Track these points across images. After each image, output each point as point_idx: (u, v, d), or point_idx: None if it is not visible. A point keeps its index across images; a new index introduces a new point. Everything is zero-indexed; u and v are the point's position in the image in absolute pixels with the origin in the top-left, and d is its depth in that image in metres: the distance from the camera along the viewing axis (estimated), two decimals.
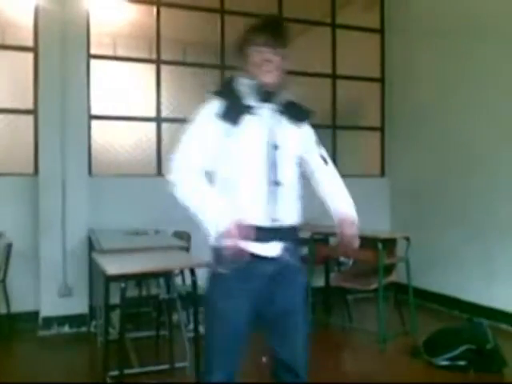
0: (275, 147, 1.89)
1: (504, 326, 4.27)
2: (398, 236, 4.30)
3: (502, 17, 4.37)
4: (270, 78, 1.89)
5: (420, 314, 4.31)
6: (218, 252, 1.86)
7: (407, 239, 4.18)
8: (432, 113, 5.12)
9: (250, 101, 1.91)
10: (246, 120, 1.89)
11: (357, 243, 2.00)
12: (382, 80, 5.88)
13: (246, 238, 1.75)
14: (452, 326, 3.83)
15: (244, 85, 1.93)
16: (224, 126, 1.88)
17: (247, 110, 1.89)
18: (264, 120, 1.91)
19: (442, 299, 4.91)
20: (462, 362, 3.41)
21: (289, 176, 1.93)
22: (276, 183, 1.88)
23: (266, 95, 1.91)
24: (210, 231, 1.82)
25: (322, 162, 2.09)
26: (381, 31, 5.89)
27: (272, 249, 1.89)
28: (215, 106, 1.91)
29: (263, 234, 1.83)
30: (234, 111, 1.89)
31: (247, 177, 1.88)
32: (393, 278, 4.22)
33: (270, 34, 1.91)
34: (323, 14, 5.74)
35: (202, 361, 2.02)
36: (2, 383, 2.83)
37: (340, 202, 2.06)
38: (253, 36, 1.91)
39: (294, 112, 1.98)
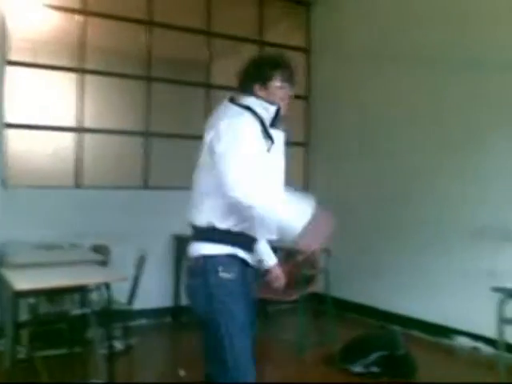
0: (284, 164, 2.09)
1: (415, 333, 4.50)
2: (316, 248, 4.41)
3: (420, 42, 4.65)
4: (286, 110, 2.08)
5: (339, 323, 4.43)
6: (221, 259, 1.95)
7: (327, 251, 4.31)
8: (355, 130, 5.34)
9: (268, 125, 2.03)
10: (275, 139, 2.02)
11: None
12: (306, 98, 6.06)
13: None
14: (366, 333, 3.99)
15: (263, 108, 2.01)
16: (263, 142, 1.97)
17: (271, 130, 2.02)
18: (280, 144, 2.05)
19: (360, 308, 5.09)
20: (375, 369, 3.54)
21: None
22: None
23: (278, 122, 2.05)
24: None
25: None
26: (307, 50, 6.09)
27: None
28: (257, 122, 1.97)
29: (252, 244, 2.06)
30: (267, 129, 1.99)
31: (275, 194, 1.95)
32: (313, 288, 4.33)
33: (292, 72, 2.12)
34: (251, 32, 5.86)
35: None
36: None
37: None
38: (280, 71, 2.09)
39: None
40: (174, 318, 5.03)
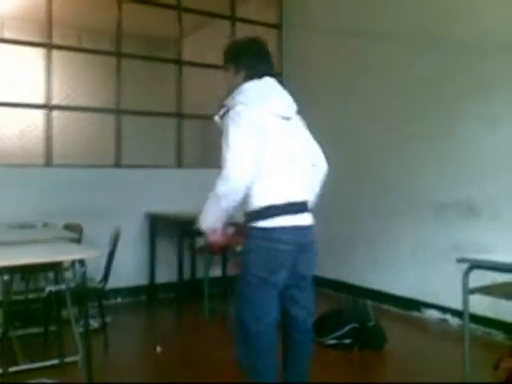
0: None
1: (386, 307, 4.63)
2: None
3: (395, 18, 4.70)
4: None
5: (315, 299, 4.51)
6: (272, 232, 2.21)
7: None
8: (327, 109, 5.38)
9: None
10: None
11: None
12: (280, 74, 6.06)
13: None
14: (338, 307, 4.09)
15: None
16: None
17: None
18: None
19: (332, 284, 5.21)
20: (347, 340, 3.65)
21: None
22: None
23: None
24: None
25: None
26: (279, 27, 6.07)
27: None
28: None
29: None
30: None
31: None
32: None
33: None
34: (223, 7, 5.80)
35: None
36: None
37: None
38: None
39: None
40: (150, 295, 5.05)
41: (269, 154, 2.20)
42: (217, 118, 2.31)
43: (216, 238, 2.34)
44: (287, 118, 2.34)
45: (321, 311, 3.98)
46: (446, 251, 4.12)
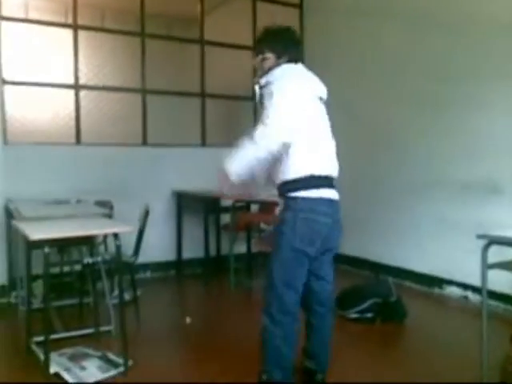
0: None
1: (407, 283, 4.72)
2: None
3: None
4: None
5: (336, 275, 4.59)
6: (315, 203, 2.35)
7: None
8: (351, 88, 5.38)
9: None
10: None
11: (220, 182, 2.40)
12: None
13: None
14: (360, 283, 4.19)
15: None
16: None
17: None
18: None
19: (354, 261, 5.30)
20: (369, 314, 3.75)
21: None
22: None
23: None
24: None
25: None
26: (300, 6, 6.07)
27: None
28: None
29: None
30: None
31: None
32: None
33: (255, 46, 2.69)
34: None
35: None
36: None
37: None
38: None
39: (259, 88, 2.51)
40: (177, 270, 5.22)
41: (308, 127, 2.34)
42: (257, 87, 2.50)
43: (226, 186, 2.38)
44: (321, 99, 2.50)
45: (342, 287, 4.09)
46: (468, 229, 4.14)
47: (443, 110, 4.45)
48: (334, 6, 5.57)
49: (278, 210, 2.52)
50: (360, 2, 5.26)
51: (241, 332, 3.49)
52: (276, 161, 2.35)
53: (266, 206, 4.64)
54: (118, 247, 2.96)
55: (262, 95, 2.46)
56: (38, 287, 3.69)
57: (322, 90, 2.52)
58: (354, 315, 3.77)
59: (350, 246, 5.31)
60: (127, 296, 3.91)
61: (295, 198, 2.33)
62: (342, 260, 5.28)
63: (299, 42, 2.69)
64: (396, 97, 4.90)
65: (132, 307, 3.76)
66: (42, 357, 2.88)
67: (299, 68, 2.52)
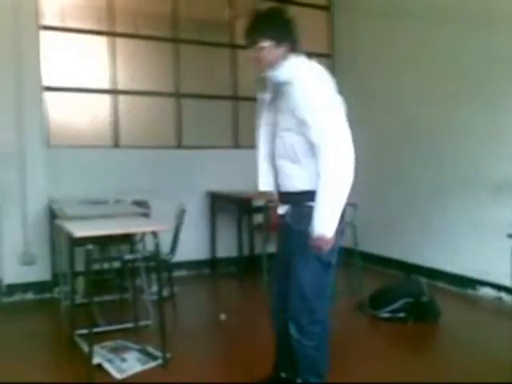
0: (273, 124, 2.26)
1: (440, 284, 4.70)
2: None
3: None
4: (261, 70, 2.26)
5: (366, 275, 4.65)
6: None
7: (354, 205, 4.49)
8: (380, 87, 5.42)
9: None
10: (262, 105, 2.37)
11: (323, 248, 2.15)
12: (329, 55, 6.12)
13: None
14: (392, 282, 4.21)
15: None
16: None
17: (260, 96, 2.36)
18: (266, 103, 2.34)
19: (386, 261, 5.31)
20: (401, 314, 3.77)
21: (280, 148, 2.23)
22: (273, 156, 2.29)
23: (262, 82, 2.31)
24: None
25: (314, 141, 2.11)
26: (328, 8, 6.11)
27: (281, 209, 2.34)
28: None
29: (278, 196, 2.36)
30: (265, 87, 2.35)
31: (261, 148, 2.39)
32: (340, 241, 4.52)
33: (247, 35, 2.28)
34: None
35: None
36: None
37: (315, 214, 2.11)
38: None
39: (280, 88, 2.21)
40: (211, 269, 5.35)
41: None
42: (268, 84, 2.28)
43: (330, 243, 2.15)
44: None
45: (373, 287, 4.13)
46: (502, 230, 4.11)
47: (474, 108, 4.43)
48: (364, 7, 5.60)
49: (288, 219, 2.29)
50: (390, 1, 5.28)
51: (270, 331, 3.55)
52: (296, 163, 2.19)
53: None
54: (157, 245, 3.07)
55: (277, 94, 2.22)
56: (80, 283, 3.87)
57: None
58: (386, 315, 3.80)
59: (380, 246, 5.34)
60: (164, 292, 4.04)
61: None
62: (372, 260, 5.32)
63: (295, 24, 2.30)
64: (425, 95, 4.90)
65: (169, 303, 3.89)
66: (85, 349, 3.03)
67: (312, 61, 2.23)
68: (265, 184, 2.44)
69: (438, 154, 4.80)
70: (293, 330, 2.30)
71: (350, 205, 4.46)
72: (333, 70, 6.06)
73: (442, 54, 4.73)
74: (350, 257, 4.57)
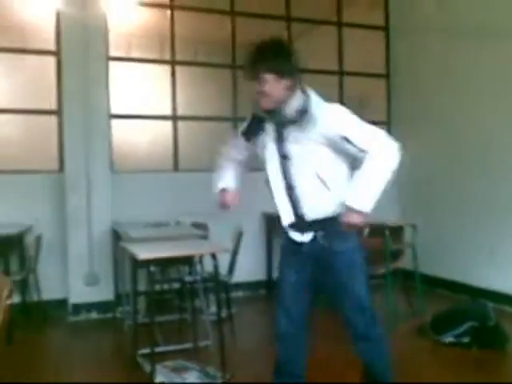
0: (285, 157, 2.26)
1: (508, 309, 4.47)
2: (404, 223, 4.52)
3: (505, 14, 4.57)
4: (264, 104, 2.22)
5: (426, 298, 4.51)
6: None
7: (414, 227, 4.41)
8: (437, 106, 5.33)
9: (267, 120, 2.28)
10: (263, 136, 2.32)
11: (360, 227, 2.24)
12: (387, 76, 6.10)
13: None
14: (456, 305, 4.06)
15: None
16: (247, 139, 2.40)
17: (261, 128, 2.31)
18: (272, 135, 2.28)
19: (448, 284, 5.12)
20: (466, 339, 3.63)
21: (302, 179, 2.25)
22: (290, 187, 2.29)
23: (269, 114, 2.25)
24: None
25: (356, 150, 2.16)
26: (385, 28, 6.11)
27: (304, 237, 2.32)
28: (243, 126, 2.44)
29: (295, 226, 2.33)
30: (252, 130, 2.35)
31: (272, 183, 2.37)
32: (399, 263, 4.45)
33: (248, 68, 2.20)
34: (329, 13, 5.96)
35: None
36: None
37: (353, 189, 2.17)
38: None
39: (298, 120, 2.17)
40: (268, 290, 5.36)
41: None
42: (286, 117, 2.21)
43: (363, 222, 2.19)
44: None
45: (434, 311, 3.99)
46: None
47: None
48: (422, 26, 5.55)
49: (322, 242, 2.29)
50: (449, 20, 5.21)
51: (330, 349, 3.51)
52: (327, 188, 2.23)
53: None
54: (216, 267, 3.15)
55: (285, 127, 2.22)
56: (141, 303, 3.99)
57: None
58: (450, 339, 3.67)
59: (442, 269, 5.18)
60: (223, 313, 4.10)
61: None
62: (433, 283, 5.15)
63: (299, 57, 2.26)
64: (490, 112, 4.77)
65: (227, 324, 3.93)
66: (147, 368, 3.12)
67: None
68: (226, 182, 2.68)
69: (503, 173, 4.64)
70: (367, 347, 2.36)
71: (410, 226, 4.45)
72: (389, 90, 6.04)
73: (500, 71, 4.61)
74: (411, 279, 4.48)
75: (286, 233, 2.40)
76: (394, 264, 4.32)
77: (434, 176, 5.36)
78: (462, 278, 5.00)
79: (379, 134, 2.23)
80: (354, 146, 2.16)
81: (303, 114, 2.15)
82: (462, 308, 3.94)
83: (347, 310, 2.35)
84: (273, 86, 2.15)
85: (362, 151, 2.15)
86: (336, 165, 2.25)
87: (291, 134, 2.21)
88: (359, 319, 2.34)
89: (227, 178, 2.68)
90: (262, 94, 2.18)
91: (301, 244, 2.33)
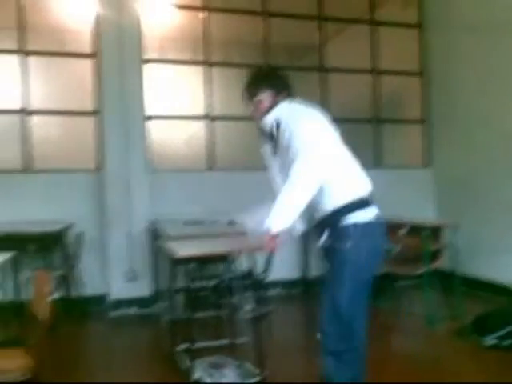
0: (279, 157, 2.38)
1: None
2: (443, 223, 4.44)
3: None
4: (257, 120, 2.46)
5: (466, 299, 4.41)
6: None
7: (453, 226, 4.32)
8: (474, 103, 5.22)
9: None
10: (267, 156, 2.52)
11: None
12: (421, 73, 6.00)
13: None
14: (498, 306, 3.96)
15: None
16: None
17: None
18: (269, 151, 2.48)
19: (489, 285, 5.00)
20: (508, 342, 3.53)
21: None
22: None
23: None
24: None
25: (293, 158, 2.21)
26: (419, 26, 6.02)
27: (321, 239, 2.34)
28: None
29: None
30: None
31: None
32: (438, 264, 4.36)
33: (245, 90, 2.46)
34: (362, 11, 5.91)
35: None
36: None
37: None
38: None
39: (271, 128, 2.38)
40: (304, 288, 5.35)
41: (340, 149, 2.34)
42: (267, 128, 2.42)
43: (277, 244, 2.30)
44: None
45: (475, 313, 3.90)
46: None
47: None
48: (457, 23, 5.45)
49: (323, 241, 2.32)
50: (485, 17, 5.09)
51: (368, 355, 3.48)
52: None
53: (390, 227, 4.58)
54: (253, 265, 3.17)
55: (273, 134, 2.37)
56: (179, 299, 4.03)
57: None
58: (492, 341, 3.58)
59: (484, 270, 5.06)
60: (259, 311, 4.12)
61: (355, 225, 2.23)
62: (474, 284, 5.03)
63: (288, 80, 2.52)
64: None
65: (264, 322, 3.93)
66: (185, 363, 3.15)
67: (298, 101, 2.40)
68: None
69: None
70: (333, 363, 2.28)
71: (449, 226, 4.36)
72: (424, 88, 5.95)
73: None
74: (450, 280, 4.39)
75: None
76: (433, 264, 4.25)
77: (474, 175, 5.24)
78: (504, 279, 4.87)
79: (303, 162, 2.17)
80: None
81: (278, 123, 2.36)
82: (505, 310, 3.85)
83: (322, 312, 2.32)
84: (265, 101, 2.42)
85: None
86: None
87: (279, 142, 2.40)
88: (332, 327, 2.29)
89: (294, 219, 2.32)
90: (254, 111, 2.48)
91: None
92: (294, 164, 2.15)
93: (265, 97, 2.39)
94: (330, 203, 2.25)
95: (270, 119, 2.37)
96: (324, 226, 2.30)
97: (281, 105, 2.37)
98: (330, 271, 2.34)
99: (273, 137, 2.39)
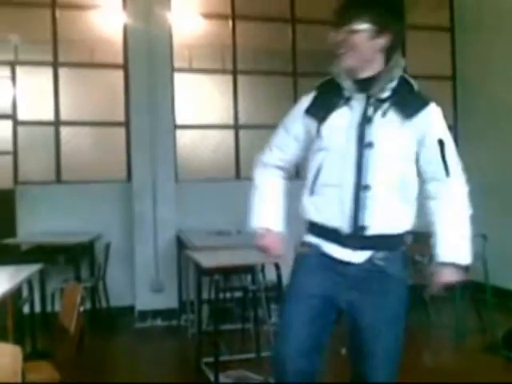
0: (368, 145, 1.68)
1: None
2: (474, 233, 4.30)
3: None
4: (346, 61, 1.71)
5: (498, 312, 4.29)
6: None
7: (484, 236, 4.19)
8: (507, 108, 5.08)
9: (348, 92, 1.73)
10: (335, 115, 1.73)
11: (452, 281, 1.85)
12: (453, 78, 5.88)
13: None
14: None
15: (341, 73, 1.75)
16: (311, 122, 1.79)
17: (338, 103, 1.72)
18: (356, 114, 1.70)
19: None
20: None
21: (384, 179, 1.70)
22: (364, 187, 1.69)
23: (360, 84, 1.71)
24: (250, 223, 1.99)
25: (443, 172, 1.78)
26: (451, 29, 5.90)
27: (356, 255, 1.74)
28: (307, 100, 1.83)
29: (344, 239, 1.73)
30: (324, 106, 1.75)
31: (333, 178, 1.74)
32: (468, 275, 4.23)
33: (341, 9, 1.74)
34: None
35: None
36: None
37: (446, 241, 1.80)
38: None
39: (401, 103, 1.70)
40: None
41: None
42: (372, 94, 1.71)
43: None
44: None
45: (507, 326, 3.79)
46: None
47: None
48: (489, 27, 5.32)
49: (382, 264, 1.76)
50: None
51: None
52: (407, 201, 1.77)
53: (421, 237, 4.49)
54: (279, 276, 3.14)
55: (369, 114, 1.69)
56: (204, 311, 4.03)
57: None
58: None
59: None
60: None
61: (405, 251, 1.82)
62: (506, 296, 4.87)
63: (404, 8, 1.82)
64: None
65: None
66: (211, 377, 3.14)
67: None
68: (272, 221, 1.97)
69: None
70: None
71: (479, 236, 4.23)
72: (455, 92, 5.82)
73: None
74: (481, 292, 4.26)
75: (317, 247, 1.81)
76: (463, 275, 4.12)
77: (506, 183, 5.09)
78: None
79: (458, 166, 1.82)
80: (444, 160, 1.76)
81: (402, 95, 1.70)
82: None
83: (368, 360, 1.79)
84: (365, 40, 1.68)
85: (442, 174, 1.77)
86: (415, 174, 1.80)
87: (386, 116, 1.69)
88: (379, 375, 1.79)
89: (270, 213, 1.99)
90: (346, 46, 1.72)
91: (346, 264, 1.75)
92: (455, 186, 1.79)
93: (362, 29, 1.68)
94: (408, 224, 1.79)
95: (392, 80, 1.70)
96: (380, 244, 1.75)
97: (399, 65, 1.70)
98: (365, 300, 1.78)
99: (366, 116, 1.68)
